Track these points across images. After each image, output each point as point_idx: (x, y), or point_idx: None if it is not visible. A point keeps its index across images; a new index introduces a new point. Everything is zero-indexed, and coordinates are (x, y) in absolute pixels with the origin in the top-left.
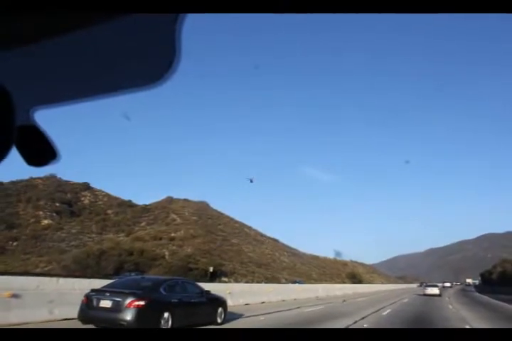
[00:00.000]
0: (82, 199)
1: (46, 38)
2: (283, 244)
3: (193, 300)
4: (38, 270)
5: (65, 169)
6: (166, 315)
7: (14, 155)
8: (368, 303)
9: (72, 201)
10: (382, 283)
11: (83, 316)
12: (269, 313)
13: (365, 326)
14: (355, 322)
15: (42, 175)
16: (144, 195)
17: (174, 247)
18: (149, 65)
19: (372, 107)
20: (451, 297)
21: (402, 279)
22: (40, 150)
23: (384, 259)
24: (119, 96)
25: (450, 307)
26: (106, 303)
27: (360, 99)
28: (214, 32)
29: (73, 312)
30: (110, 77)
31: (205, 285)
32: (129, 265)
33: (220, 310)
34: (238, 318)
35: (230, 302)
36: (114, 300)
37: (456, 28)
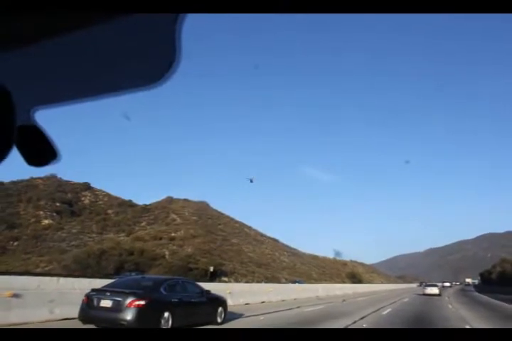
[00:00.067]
0: (83, 199)
1: (46, 38)
2: (283, 244)
3: (193, 300)
4: (38, 270)
5: (65, 169)
6: (166, 314)
7: (15, 155)
8: (367, 303)
9: (73, 201)
10: (382, 282)
11: (84, 316)
12: (269, 313)
13: (365, 326)
14: (355, 322)
15: (42, 175)
16: (144, 195)
17: (174, 247)
18: (149, 64)
19: (372, 107)
20: (450, 296)
21: (402, 279)
22: (40, 150)
23: (384, 259)
24: (120, 96)
25: (450, 306)
26: (106, 303)
27: (360, 99)
28: (214, 32)
29: (74, 311)
30: (110, 77)
31: (205, 285)
32: (130, 265)
33: (220, 309)
34: (238, 318)
35: (230, 302)
36: (114, 300)
37: (456, 28)
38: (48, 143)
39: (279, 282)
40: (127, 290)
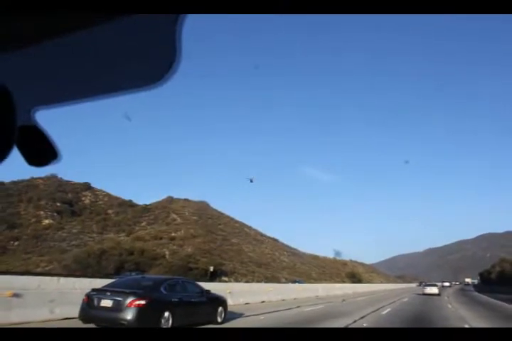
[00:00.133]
0: (83, 199)
1: (47, 39)
2: (283, 244)
3: (193, 300)
4: (39, 269)
5: (65, 169)
6: (166, 314)
7: (15, 155)
8: (367, 303)
9: (73, 201)
10: (382, 282)
11: (84, 315)
12: (269, 312)
13: (365, 325)
14: (355, 321)
15: (43, 175)
16: (144, 195)
17: (174, 247)
18: (150, 65)
19: (372, 107)
20: (450, 296)
21: (402, 279)
22: (41, 150)
23: (383, 259)
24: (120, 96)
25: (449, 306)
26: (107, 303)
27: (360, 99)
28: (214, 32)
29: (74, 311)
30: (111, 77)
31: (206, 285)
32: (130, 264)
33: (220, 309)
34: (238, 317)
35: (230, 302)
36: (114, 300)
37: (456, 28)
38: (48, 143)
39: (279, 282)
40: (127, 290)
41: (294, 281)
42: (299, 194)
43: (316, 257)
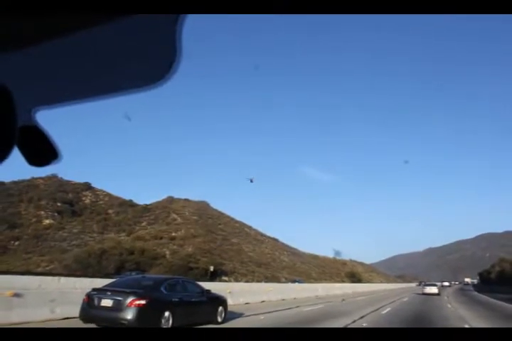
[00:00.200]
0: (84, 199)
1: (48, 39)
2: (283, 244)
3: (193, 300)
4: (39, 269)
5: (66, 169)
6: (166, 314)
7: (16, 155)
8: (367, 302)
9: (74, 201)
10: (382, 282)
11: (84, 315)
12: (269, 312)
13: (365, 325)
14: (354, 321)
15: (43, 175)
16: (144, 195)
17: (175, 246)
18: (150, 65)
19: (372, 107)
20: (449, 296)
21: (401, 278)
22: (41, 150)
23: (383, 258)
24: (120, 96)
25: (449, 306)
26: (107, 302)
27: (360, 99)
28: (214, 32)
29: (74, 311)
30: (111, 77)
31: (206, 285)
32: (130, 264)
33: (220, 309)
34: (238, 317)
35: (230, 302)
36: (115, 299)
37: (456, 28)
38: (48, 143)
39: (278, 281)
40: (128, 290)
41: (294, 281)
42: (298, 194)
43: (315, 257)
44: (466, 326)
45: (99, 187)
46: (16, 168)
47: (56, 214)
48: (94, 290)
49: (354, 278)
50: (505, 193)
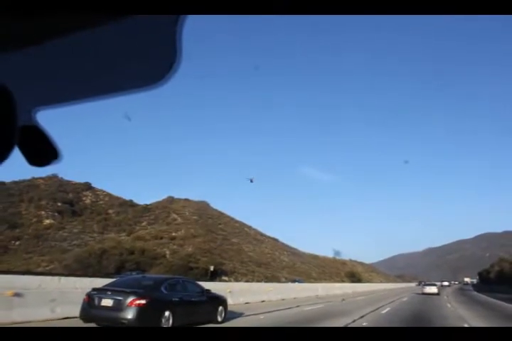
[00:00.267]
0: (84, 199)
1: (48, 39)
2: (283, 244)
3: (193, 299)
4: (40, 269)
5: (66, 169)
6: (166, 313)
7: (16, 155)
8: (367, 302)
9: (74, 201)
10: (381, 282)
11: (85, 315)
12: (269, 312)
13: (364, 324)
14: (354, 321)
15: (44, 175)
16: (144, 195)
17: (175, 246)
18: (150, 65)
19: (372, 107)
20: (449, 296)
21: (401, 278)
22: (41, 150)
23: (383, 258)
24: (121, 96)
25: (448, 305)
26: (107, 302)
27: (360, 99)
28: (214, 33)
29: (75, 310)
30: (111, 77)
31: (206, 284)
32: (130, 264)
33: (220, 308)
34: (238, 317)
35: (230, 301)
36: (115, 299)
37: (456, 28)
38: (49, 143)
39: (278, 281)
40: (128, 290)
41: (294, 281)
42: (298, 194)
43: (315, 257)
44: (466, 325)
45: (100, 187)
46: (17, 168)
47: (56, 214)
48: (94, 289)
49: (354, 277)
50: (505, 193)
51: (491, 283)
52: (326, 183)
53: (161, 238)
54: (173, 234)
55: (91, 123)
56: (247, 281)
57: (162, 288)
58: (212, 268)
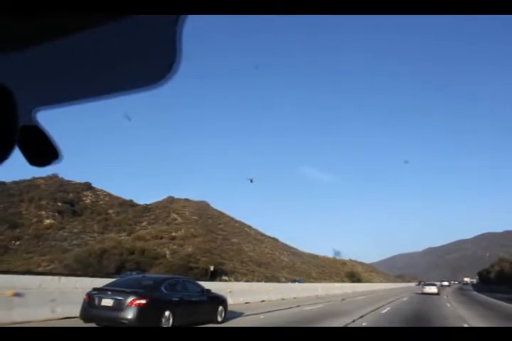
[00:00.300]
0: (84, 199)
1: (48, 39)
2: (283, 243)
3: (193, 299)
4: (40, 269)
5: (66, 169)
6: (167, 313)
7: (16, 155)
8: (366, 302)
9: (74, 201)
10: (381, 281)
11: (85, 315)
12: (269, 312)
13: (364, 324)
14: (354, 320)
15: (44, 175)
16: (145, 195)
17: (175, 246)
18: (150, 65)
19: (372, 107)
20: (449, 295)
21: (401, 278)
22: (42, 150)
23: (383, 258)
24: (121, 96)
25: (448, 305)
26: (107, 302)
27: (360, 99)
28: (214, 33)
29: (75, 310)
30: (111, 77)
31: (206, 284)
32: (131, 264)
33: (220, 308)
34: (238, 317)
35: (230, 301)
36: (115, 299)
37: (456, 28)
38: (49, 143)
39: (278, 281)
40: (128, 290)
41: (294, 281)
42: (298, 194)
43: (315, 257)
44: (466, 325)
45: (100, 187)
46: (17, 168)
47: (57, 214)
48: (94, 289)
49: (354, 277)
50: (505, 193)
51: (491, 283)
52: (326, 183)
53: (161, 238)
54: (173, 234)
55: (91, 123)
56: (247, 281)
57: (162, 288)
58: (212, 268)
